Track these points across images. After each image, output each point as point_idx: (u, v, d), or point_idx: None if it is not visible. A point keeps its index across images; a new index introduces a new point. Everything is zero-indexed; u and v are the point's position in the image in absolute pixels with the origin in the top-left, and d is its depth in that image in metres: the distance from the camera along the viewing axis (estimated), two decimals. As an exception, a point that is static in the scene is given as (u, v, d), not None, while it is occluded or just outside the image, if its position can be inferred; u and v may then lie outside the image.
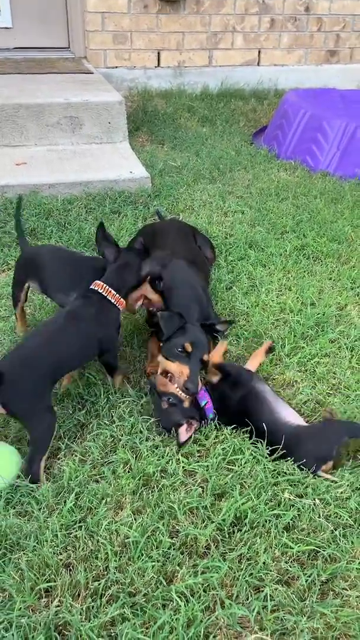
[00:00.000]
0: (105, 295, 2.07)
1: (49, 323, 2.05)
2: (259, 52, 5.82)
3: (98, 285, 2.08)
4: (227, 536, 1.66)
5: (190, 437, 1.92)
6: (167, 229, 2.83)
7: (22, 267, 2.34)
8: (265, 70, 5.87)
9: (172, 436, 1.96)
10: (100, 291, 2.07)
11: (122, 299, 2.11)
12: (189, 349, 2.01)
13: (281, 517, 1.69)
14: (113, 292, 2.08)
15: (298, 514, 1.71)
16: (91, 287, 2.09)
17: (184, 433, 1.91)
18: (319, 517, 1.70)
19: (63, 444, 1.93)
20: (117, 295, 2.09)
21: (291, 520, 1.69)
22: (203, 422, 2.00)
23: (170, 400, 1.97)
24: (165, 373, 2.03)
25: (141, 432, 1.98)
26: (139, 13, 5.22)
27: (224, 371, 2.11)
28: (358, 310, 2.71)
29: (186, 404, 1.97)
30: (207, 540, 1.63)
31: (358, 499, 1.77)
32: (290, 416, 1.97)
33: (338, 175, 4.13)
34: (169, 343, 2.05)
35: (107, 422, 2.01)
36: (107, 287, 2.08)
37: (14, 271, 2.41)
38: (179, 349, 2.01)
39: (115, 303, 2.08)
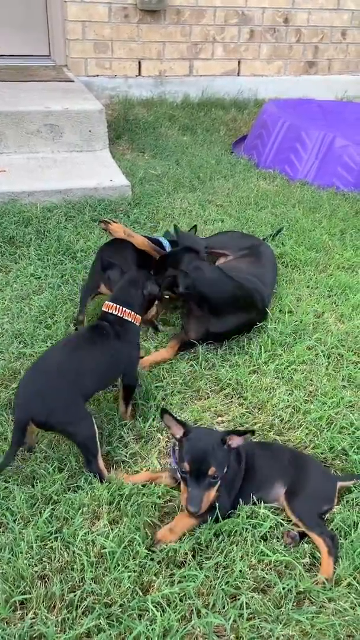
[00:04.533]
0: (121, 315, 2.04)
1: (72, 338, 2.06)
2: (239, 62, 5.88)
3: (109, 307, 2.06)
4: (204, 545, 1.66)
5: None
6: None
7: None
8: (245, 81, 5.94)
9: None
10: (115, 312, 2.04)
11: (136, 315, 2.07)
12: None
13: (258, 527, 1.70)
14: (126, 310, 2.05)
15: (275, 525, 1.72)
16: (103, 309, 2.07)
17: None
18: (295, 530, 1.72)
19: (40, 452, 1.92)
20: (130, 311, 2.05)
21: (268, 530, 1.70)
22: None
23: None
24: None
25: (119, 440, 1.97)
26: (119, 22, 5.25)
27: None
28: (335, 318, 2.74)
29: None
30: (184, 550, 1.63)
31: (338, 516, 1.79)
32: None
33: (316, 185, 4.19)
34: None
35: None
36: (118, 306, 2.05)
37: None
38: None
39: (131, 320, 2.05)
